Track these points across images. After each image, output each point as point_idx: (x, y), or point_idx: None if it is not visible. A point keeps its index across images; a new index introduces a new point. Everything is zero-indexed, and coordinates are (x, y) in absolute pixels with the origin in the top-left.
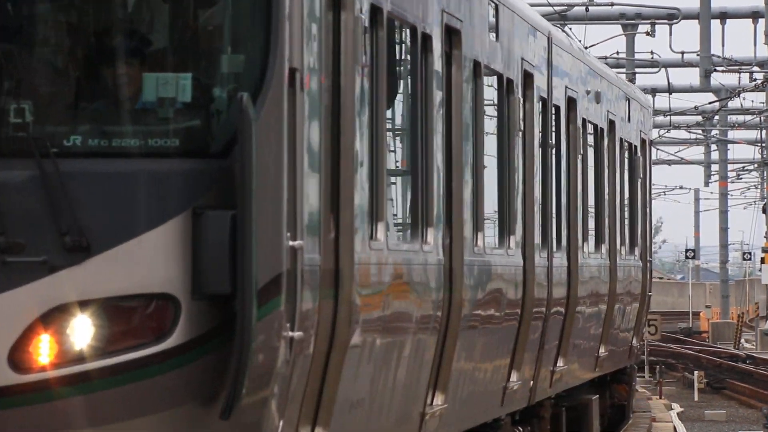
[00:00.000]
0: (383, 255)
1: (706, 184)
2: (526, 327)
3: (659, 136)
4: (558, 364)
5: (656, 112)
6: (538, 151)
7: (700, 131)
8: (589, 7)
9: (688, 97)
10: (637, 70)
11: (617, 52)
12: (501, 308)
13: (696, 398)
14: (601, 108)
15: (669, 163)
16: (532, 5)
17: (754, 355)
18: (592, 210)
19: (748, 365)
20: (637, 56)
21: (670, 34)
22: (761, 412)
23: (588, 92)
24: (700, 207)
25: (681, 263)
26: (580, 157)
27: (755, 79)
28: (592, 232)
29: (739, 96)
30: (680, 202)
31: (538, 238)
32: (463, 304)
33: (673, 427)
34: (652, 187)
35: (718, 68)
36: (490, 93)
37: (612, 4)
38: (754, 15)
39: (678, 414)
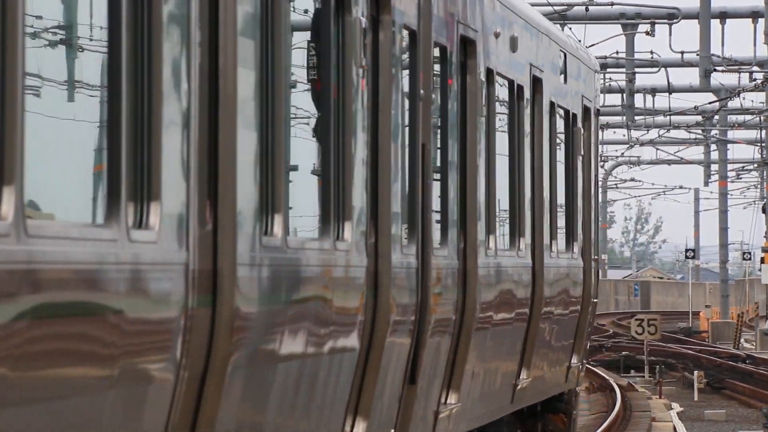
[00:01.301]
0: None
1: (706, 183)
2: (377, 355)
3: (659, 136)
4: (448, 402)
5: (656, 112)
6: (394, 101)
7: (700, 131)
8: (589, 7)
9: (688, 97)
10: (637, 69)
11: (617, 52)
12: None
13: (696, 398)
14: (519, 59)
15: (669, 163)
16: (533, 5)
17: (754, 355)
18: (505, 194)
19: (748, 365)
20: (637, 56)
21: (670, 33)
22: (761, 412)
23: (498, 34)
24: (700, 207)
25: (681, 263)
26: (480, 119)
27: (755, 79)
28: (504, 223)
29: (738, 96)
30: (680, 202)
31: (404, 231)
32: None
33: (673, 427)
34: (598, 166)
35: (718, 68)
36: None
37: (612, 4)
38: (754, 15)
39: (678, 414)
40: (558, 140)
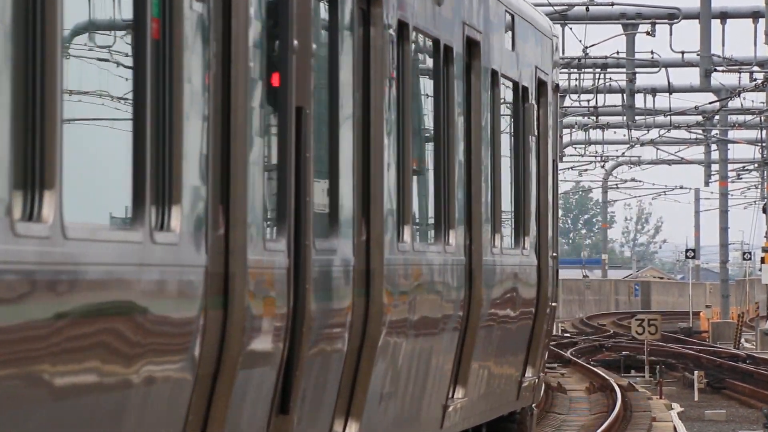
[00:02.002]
0: None
1: (706, 184)
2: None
3: (659, 136)
4: None
5: (657, 112)
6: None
7: (700, 131)
8: (590, 7)
9: (688, 97)
10: (637, 69)
11: (617, 52)
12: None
13: (696, 398)
14: (447, 14)
15: (669, 163)
16: (533, 5)
17: (754, 355)
18: (427, 177)
19: (748, 365)
20: (637, 56)
21: (671, 33)
22: (761, 412)
23: None
24: (700, 207)
25: (681, 263)
26: (387, 82)
27: (755, 79)
28: (427, 212)
29: (739, 96)
30: (680, 201)
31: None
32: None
33: (673, 427)
34: (557, 149)
35: (718, 68)
36: None
37: (612, 4)
38: (754, 15)
39: (678, 414)
40: (504, 117)
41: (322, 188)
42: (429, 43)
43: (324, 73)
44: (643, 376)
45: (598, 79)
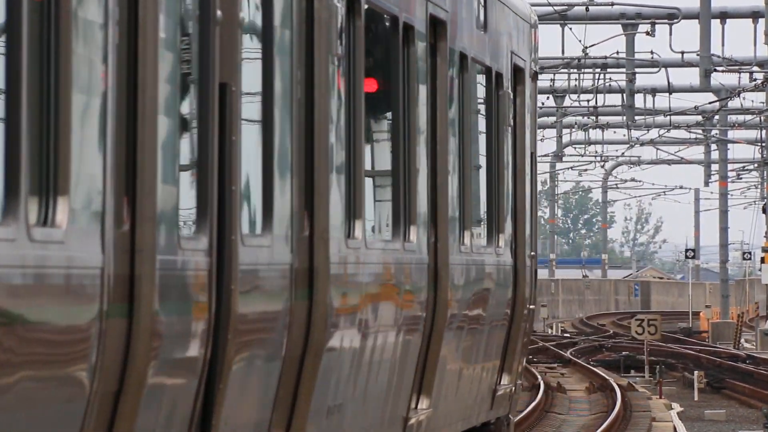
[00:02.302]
0: None
1: (706, 184)
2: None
3: (659, 136)
4: None
5: (656, 112)
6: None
7: (700, 131)
8: (589, 7)
9: (688, 97)
10: (637, 69)
11: (617, 52)
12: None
13: (696, 398)
14: None
15: (669, 162)
16: (533, 5)
17: (754, 355)
18: (384, 168)
19: (748, 365)
20: (637, 56)
21: (670, 33)
22: (761, 412)
23: None
24: (700, 207)
25: (681, 263)
26: (334, 59)
27: (755, 79)
28: (385, 206)
29: (739, 96)
30: (680, 202)
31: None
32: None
33: (673, 427)
34: (536, 141)
35: (718, 68)
36: None
37: (612, 4)
38: (754, 15)
39: (678, 414)
40: (474, 105)
41: (256, 176)
42: (385, 19)
43: (256, 48)
44: (643, 376)
45: (598, 79)
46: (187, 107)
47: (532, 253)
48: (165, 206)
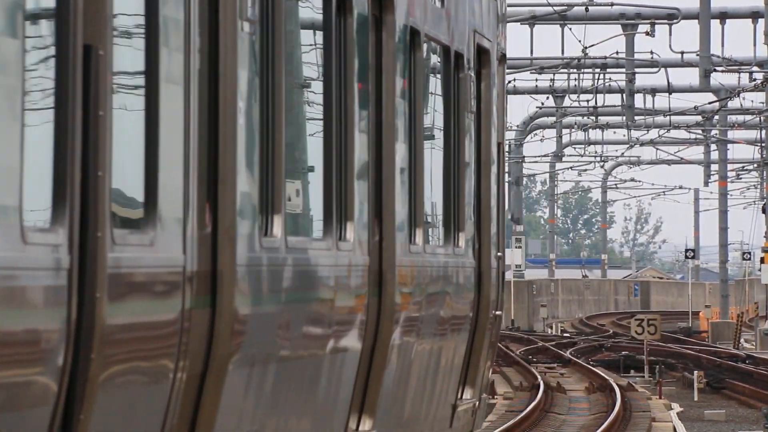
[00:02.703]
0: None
1: (706, 184)
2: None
3: (659, 136)
4: None
5: (656, 112)
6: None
7: (699, 131)
8: (589, 7)
9: (688, 97)
10: (637, 70)
11: (617, 52)
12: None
13: (696, 398)
14: None
15: (669, 163)
16: (533, 5)
17: (754, 355)
18: (315, 156)
19: (748, 365)
20: (636, 56)
21: (670, 34)
22: (761, 412)
23: None
24: (699, 207)
25: (681, 263)
26: (244, 26)
27: (755, 79)
28: (314, 200)
29: (738, 96)
30: (680, 202)
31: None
32: None
33: (673, 427)
34: (504, 130)
35: (717, 68)
36: None
37: (612, 4)
38: (754, 15)
39: (678, 414)
40: (430, 89)
41: (135, 161)
42: None
43: (139, 11)
44: (643, 376)
45: (598, 79)
46: (39, 73)
47: (499, 254)
48: (4, 193)
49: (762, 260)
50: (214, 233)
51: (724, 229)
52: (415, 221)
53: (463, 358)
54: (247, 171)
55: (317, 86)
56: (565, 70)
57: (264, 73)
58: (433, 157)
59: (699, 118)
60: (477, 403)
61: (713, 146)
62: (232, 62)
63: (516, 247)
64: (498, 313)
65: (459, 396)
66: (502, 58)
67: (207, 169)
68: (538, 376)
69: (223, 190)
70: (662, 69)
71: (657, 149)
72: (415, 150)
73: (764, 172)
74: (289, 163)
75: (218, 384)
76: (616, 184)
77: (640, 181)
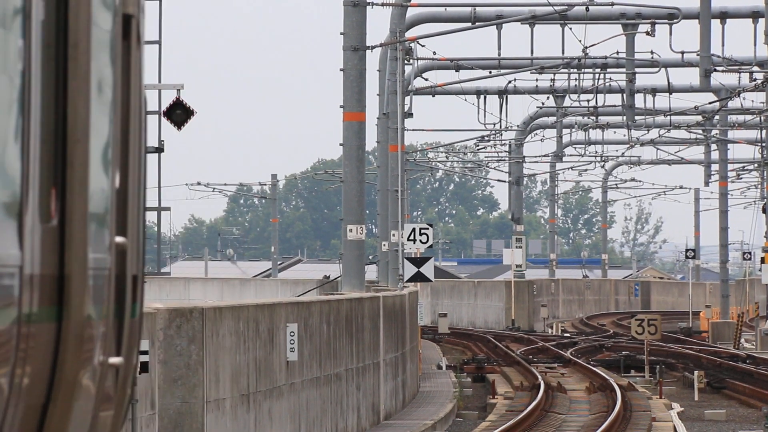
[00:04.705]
0: None
1: (706, 183)
2: None
3: (659, 135)
4: None
5: (656, 112)
6: None
7: (700, 131)
8: (589, 7)
9: (688, 97)
10: (637, 69)
11: (617, 52)
12: None
13: (696, 398)
14: None
15: (669, 163)
16: (533, 5)
17: (754, 355)
18: None
19: (748, 365)
20: (637, 56)
21: (670, 33)
22: (761, 412)
23: None
24: (700, 207)
25: (681, 263)
26: None
27: (755, 79)
28: None
29: (739, 96)
30: (680, 201)
31: None
32: None
33: (673, 426)
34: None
35: (718, 68)
36: None
37: (612, 4)
38: (754, 15)
39: (678, 414)
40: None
41: None
42: None
43: None
44: (643, 376)
45: (598, 79)
46: None
47: (119, 240)
48: None
49: (762, 260)
50: None
51: (724, 229)
52: None
53: None
54: None
55: None
56: (566, 70)
57: None
58: None
59: (699, 118)
60: None
61: (713, 146)
62: None
63: (516, 247)
64: (116, 361)
65: None
66: (139, 25)
67: None
68: (539, 376)
69: None
70: (662, 69)
71: (657, 149)
72: None
73: (764, 172)
74: None
75: None
76: (616, 184)
77: (640, 181)
